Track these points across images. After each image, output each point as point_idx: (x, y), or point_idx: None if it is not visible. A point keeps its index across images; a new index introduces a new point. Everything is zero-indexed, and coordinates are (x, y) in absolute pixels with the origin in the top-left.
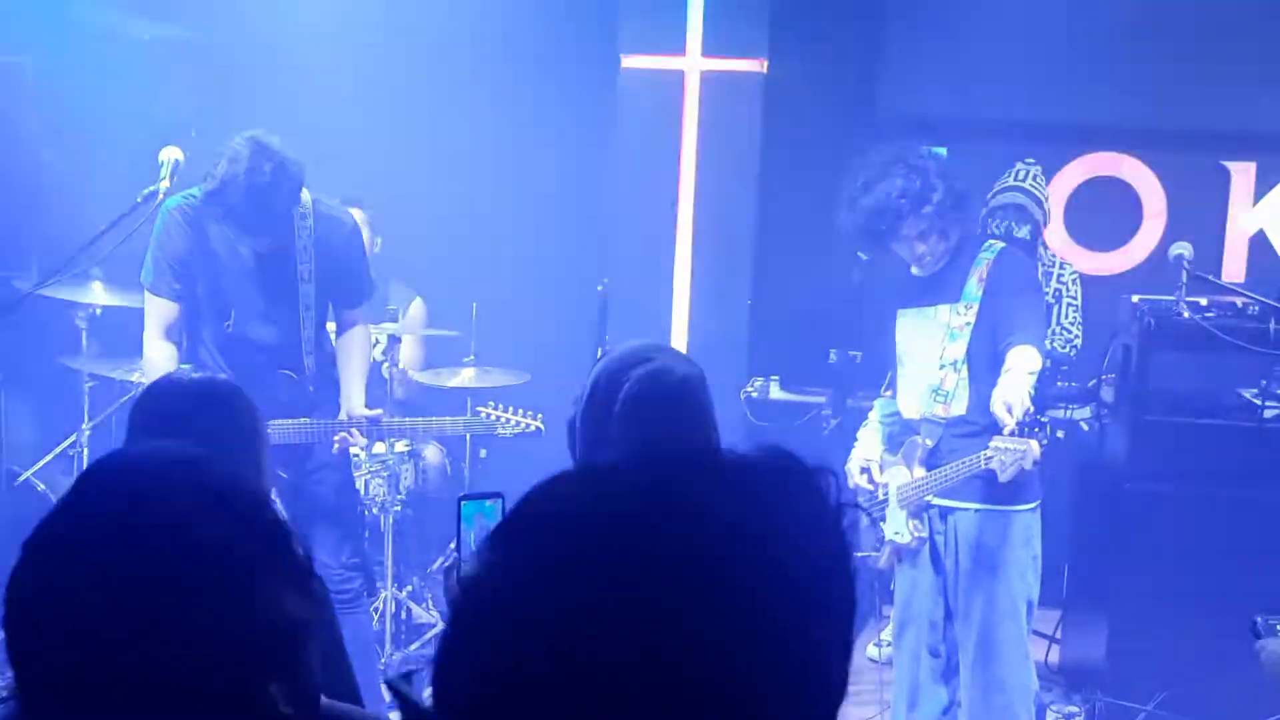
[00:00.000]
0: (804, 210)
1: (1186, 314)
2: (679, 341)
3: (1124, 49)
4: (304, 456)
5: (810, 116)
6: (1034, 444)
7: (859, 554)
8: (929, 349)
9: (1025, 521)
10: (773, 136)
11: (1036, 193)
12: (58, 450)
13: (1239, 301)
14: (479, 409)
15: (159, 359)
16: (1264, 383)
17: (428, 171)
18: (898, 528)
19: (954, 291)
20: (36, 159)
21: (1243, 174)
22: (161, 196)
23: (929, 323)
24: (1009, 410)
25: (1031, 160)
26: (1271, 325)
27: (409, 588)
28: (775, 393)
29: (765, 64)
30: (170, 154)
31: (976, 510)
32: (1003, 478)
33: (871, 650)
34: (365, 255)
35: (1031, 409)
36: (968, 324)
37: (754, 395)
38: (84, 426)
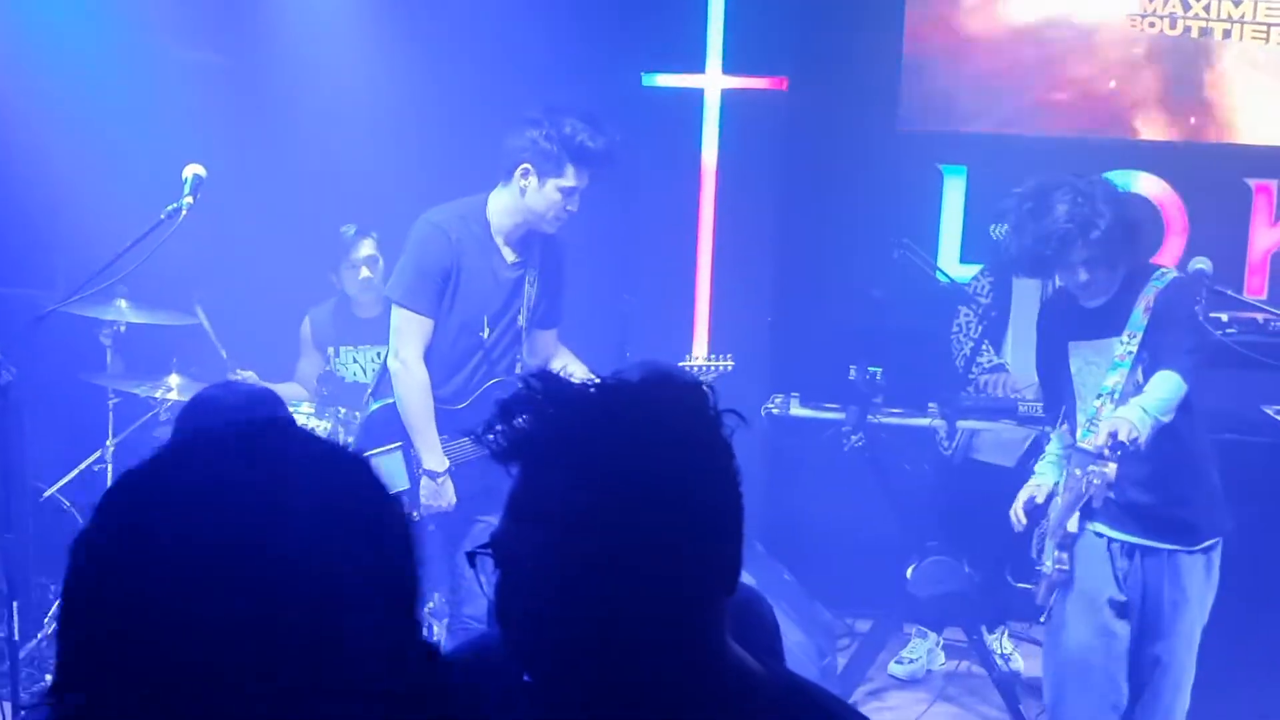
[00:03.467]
0: (824, 227)
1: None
2: (699, 357)
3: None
4: (470, 483)
5: (831, 134)
6: (1111, 465)
7: (1022, 585)
8: (1099, 381)
9: (1213, 559)
10: (793, 154)
11: None
12: (82, 467)
13: (1260, 317)
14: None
15: (419, 376)
16: None
17: (448, 190)
18: (1047, 559)
19: (1123, 323)
20: (62, 176)
21: (1265, 191)
22: (185, 212)
23: (1102, 356)
24: (1112, 434)
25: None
26: None
27: (430, 604)
28: (796, 409)
29: (786, 82)
30: (193, 170)
31: (1171, 551)
32: (1095, 504)
33: (894, 668)
34: (567, 279)
35: (1138, 435)
36: (1130, 353)
37: (774, 412)
38: (109, 443)
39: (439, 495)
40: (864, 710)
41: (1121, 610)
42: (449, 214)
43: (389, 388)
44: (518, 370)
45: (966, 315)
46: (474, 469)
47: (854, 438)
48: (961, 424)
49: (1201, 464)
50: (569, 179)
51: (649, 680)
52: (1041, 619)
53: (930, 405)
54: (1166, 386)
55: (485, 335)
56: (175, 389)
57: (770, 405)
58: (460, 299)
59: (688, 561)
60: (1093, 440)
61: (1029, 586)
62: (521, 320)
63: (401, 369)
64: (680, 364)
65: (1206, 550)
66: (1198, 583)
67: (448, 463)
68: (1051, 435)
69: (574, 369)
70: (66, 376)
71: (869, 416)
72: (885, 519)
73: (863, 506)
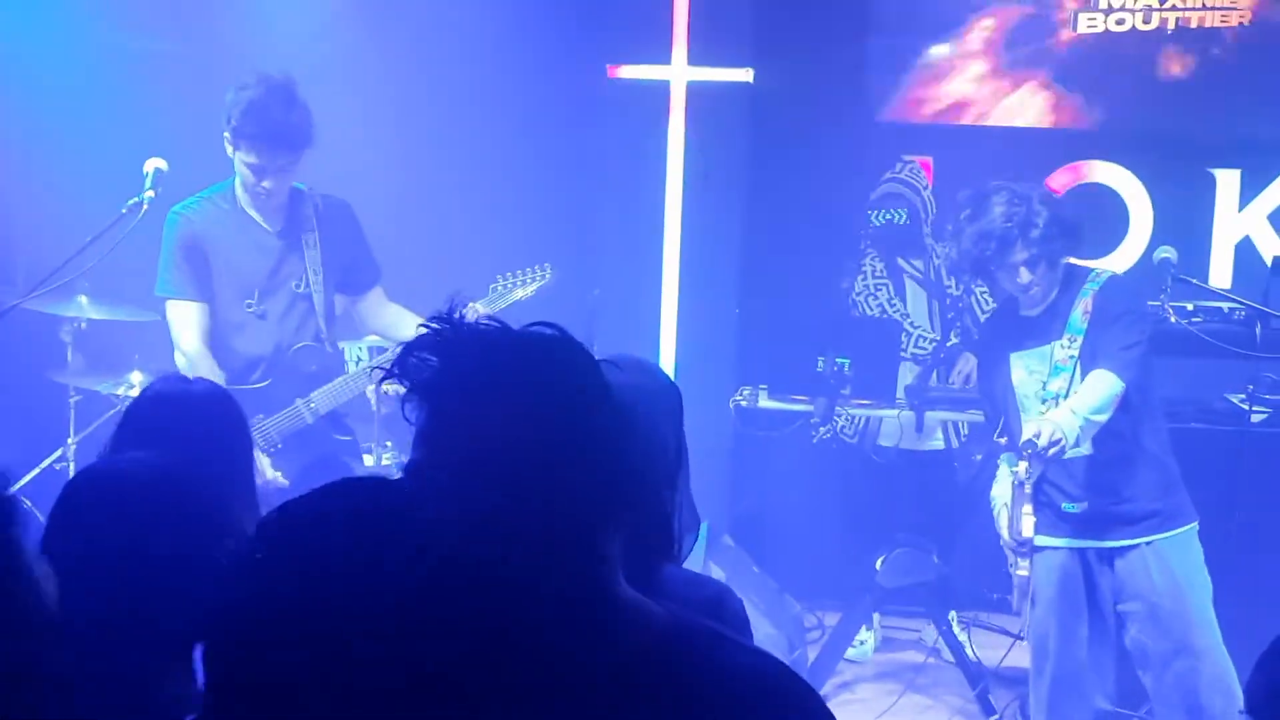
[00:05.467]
0: (792, 218)
1: (1173, 319)
2: (667, 350)
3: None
4: (302, 455)
5: (797, 125)
6: (1022, 464)
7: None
8: (1042, 388)
9: (1194, 541)
10: (760, 146)
11: (913, 181)
12: (43, 465)
13: (1225, 306)
14: (491, 285)
15: (204, 365)
16: (1251, 387)
17: (412, 182)
18: (1011, 565)
19: (1062, 326)
20: (21, 170)
21: (1228, 180)
22: (146, 207)
23: (1044, 363)
24: (1035, 436)
25: (910, 157)
26: (1258, 329)
27: None
28: (764, 401)
29: (751, 73)
30: (154, 164)
31: (1147, 543)
32: (1026, 489)
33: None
34: (365, 237)
35: (1061, 440)
36: (1071, 357)
37: (743, 404)
38: (70, 441)
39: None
40: (835, 703)
41: (1109, 620)
42: (192, 199)
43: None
44: (324, 337)
45: (871, 264)
46: (301, 441)
47: (822, 429)
48: (930, 415)
49: (1151, 455)
50: (246, 155)
51: (546, 608)
52: (1021, 632)
53: (898, 397)
54: (1099, 386)
55: (258, 308)
56: (138, 386)
57: (738, 397)
58: (225, 278)
59: (583, 487)
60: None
61: (1003, 596)
62: (303, 287)
63: (185, 361)
64: (495, 288)
65: (1183, 534)
66: (1185, 565)
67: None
68: (1000, 459)
69: (409, 325)
70: (27, 374)
71: (837, 408)
72: (854, 510)
73: (831, 498)
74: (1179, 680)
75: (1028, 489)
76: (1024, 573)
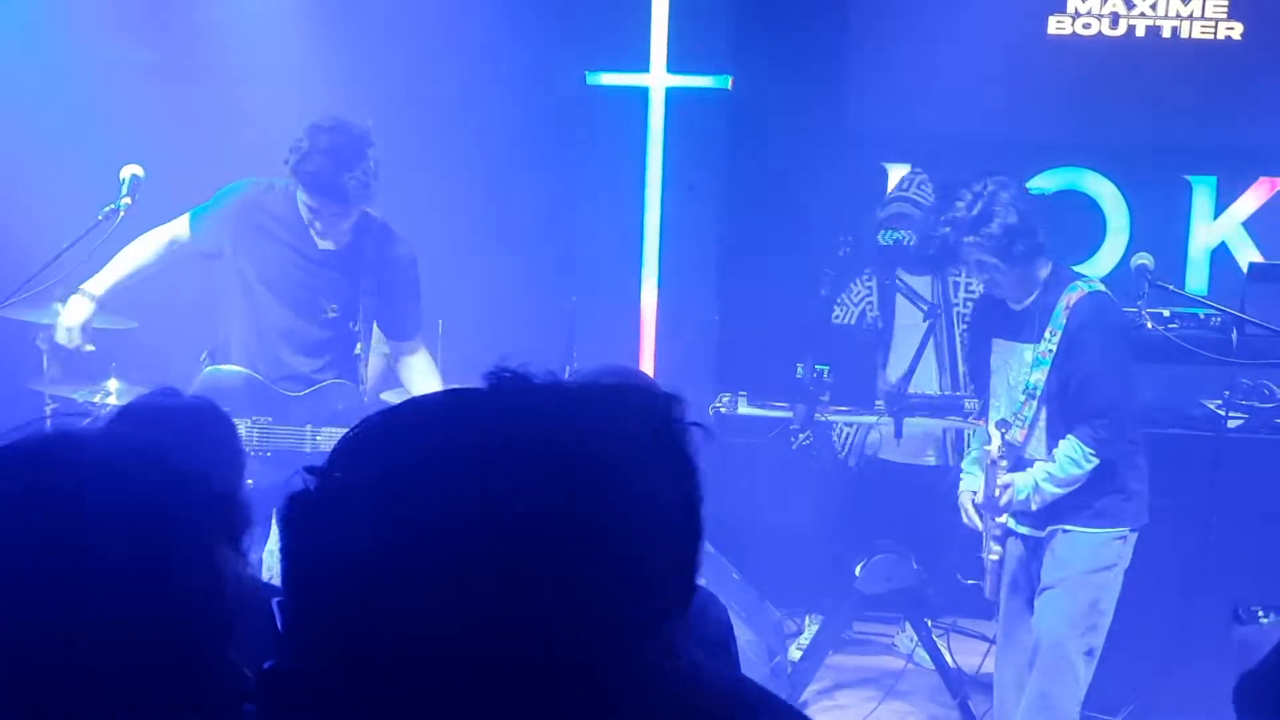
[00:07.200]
0: (770, 225)
1: (1150, 325)
2: (646, 357)
3: (1084, 63)
4: (286, 473)
5: (776, 133)
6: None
7: (970, 581)
8: (1016, 381)
9: (1110, 545)
10: (738, 152)
11: (920, 199)
12: None
13: (1201, 312)
14: None
15: (157, 238)
16: (1227, 393)
17: (392, 190)
18: (985, 550)
19: (1042, 329)
20: None
21: (1204, 187)
22: (122, 213)
23: (1015, 358)
24: (996, 494)
25: (919, 169)
26: (1234, 336)
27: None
28: (743, 408)
29: (730, 80)
30: (130, 171)
31: (1064, 530)
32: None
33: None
34: (419, 288)
35: (1013, 500)
36: (1050, 350)
37: (722, 410)
38: None
39: (65, 320)
40: (814, 709)
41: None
42: (264, 180)
43: (222, 356)
44: (360, 368)
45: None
46: (293, 461)
47: (802, 436)
48: (908, 421)
49: (1108, 463)
50: (299, 193)
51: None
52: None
53: (877, 403)
54: (1072, 463)
55: (297, 309)
56: (114, 394)
57: (718, 404)
58: (260, 269)
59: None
60: (1022, 433)
61: (976, 582)
62: (333, 313)
63: (154, 231)
64: None
65: (1102, 534)
66: (1088, 563)
67: (93, 307)
68: (971, 434)
69: (422, 381)
70: (1, 382)
71: (816, 414)
72: (833, 517)
73: (811, 505)
74: (1023, 666)
75: (1003, 466)
76: (995, 556)
